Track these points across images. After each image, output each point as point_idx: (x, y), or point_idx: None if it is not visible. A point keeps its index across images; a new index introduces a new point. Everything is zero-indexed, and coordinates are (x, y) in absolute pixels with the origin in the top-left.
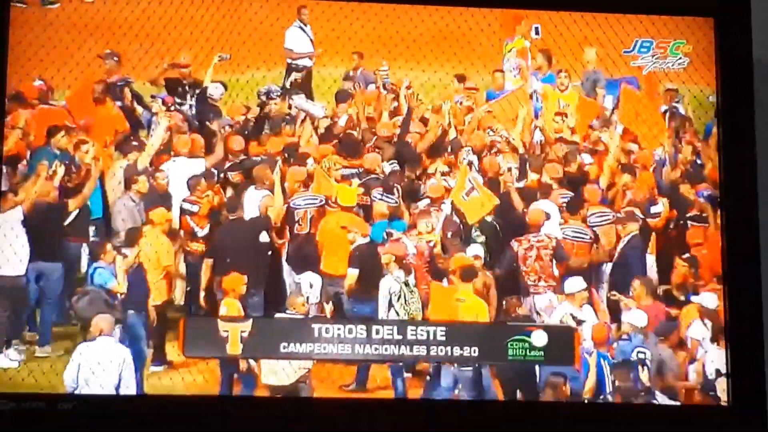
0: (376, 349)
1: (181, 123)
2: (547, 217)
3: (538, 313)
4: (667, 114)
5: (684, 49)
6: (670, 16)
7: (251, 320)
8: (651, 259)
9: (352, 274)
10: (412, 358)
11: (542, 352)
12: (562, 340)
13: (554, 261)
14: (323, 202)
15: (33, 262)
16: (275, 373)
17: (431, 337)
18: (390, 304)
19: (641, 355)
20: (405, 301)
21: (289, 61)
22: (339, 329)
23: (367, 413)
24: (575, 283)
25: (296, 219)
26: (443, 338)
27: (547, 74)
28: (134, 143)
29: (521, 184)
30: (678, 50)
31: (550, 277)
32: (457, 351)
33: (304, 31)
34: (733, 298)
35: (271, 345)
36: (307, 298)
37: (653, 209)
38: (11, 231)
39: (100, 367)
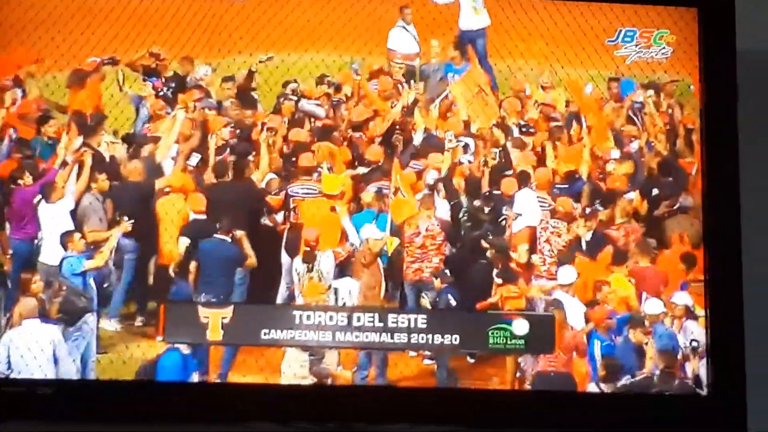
0: (357, 336)
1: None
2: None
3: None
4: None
5: (667, 38)
6: (654, 6)
7: (232, 306)
8: None
9: (183, 242)
10: (393, 345)
11: (523, 341)
12: (543, 328)
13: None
14: (321, 192)
15: None
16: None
17: (412, 325)
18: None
19: (695, 344)
20: (302, 284)
21: (395, 62)
22: (320, 316)
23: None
24: (568, 273)
25: (292, 206)
26: (424, 326)
27: (462, 65)
28: (148, 135)
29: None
30: (661, 40)
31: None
32: (438, 339)
33: (407, 30)
34: (714, 291)
35: (252, 332)
36: (344, 304)
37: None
38: (62, 221)
39: (34, 348)
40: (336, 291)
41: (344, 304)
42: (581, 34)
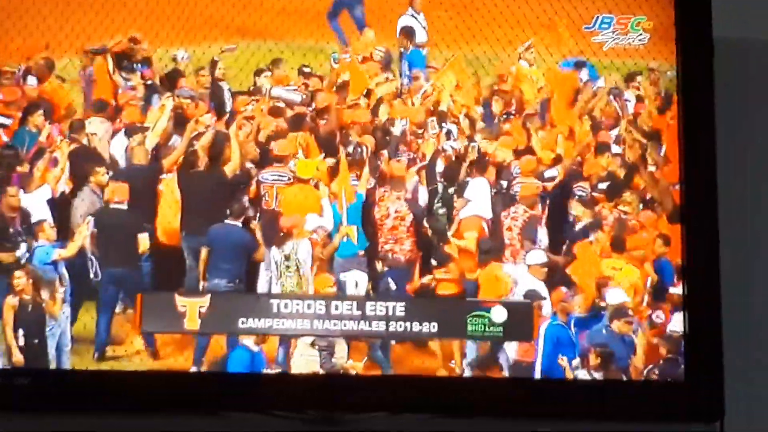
0: (335, 324)
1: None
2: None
3: None
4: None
5: (644, 25)
6: None
7: (209, 295)
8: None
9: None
10: (370, 333)
11: (501, 328)
12: (522, 315)
13: (523, 235)
14: (291, 178)
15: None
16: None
17: (390, 313)
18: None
19: (671, 332)
20: (280, 273)
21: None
22: (298, 304)
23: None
24: (536, 256)
25: (263, 193)
26: (402, 314)
27: (410, 50)
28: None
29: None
30: (638, 26)
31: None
32: (416, 327)
33: (416, 19)
34: (691, 279)
35: (230, 321)
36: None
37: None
38: (38, 211)
39: None
40: (344, 284)
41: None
42: (558, 20)
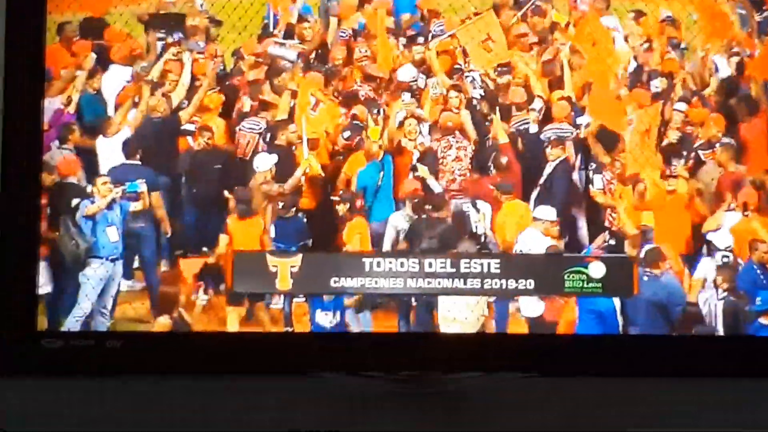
0: (429, 282)
1: None
2: None
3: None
4: None
5: None
6: None
7: (301, 255)
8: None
9: None
10: (466, 291)
11: (600, 284)
12: (620, 270)
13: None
14: (262, 128)
15: None
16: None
17: (485, 270)
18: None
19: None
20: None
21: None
22: (391, 263)
23: None
24: (545, 212)
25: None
26: (497, 271)
27: None
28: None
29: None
30: None
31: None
32: (512, 284)
33: None
34: None
35: (322, 280)
36: (476, 226)
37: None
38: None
39: None
40: (468, 215)
41: (476, 227)
42: None
